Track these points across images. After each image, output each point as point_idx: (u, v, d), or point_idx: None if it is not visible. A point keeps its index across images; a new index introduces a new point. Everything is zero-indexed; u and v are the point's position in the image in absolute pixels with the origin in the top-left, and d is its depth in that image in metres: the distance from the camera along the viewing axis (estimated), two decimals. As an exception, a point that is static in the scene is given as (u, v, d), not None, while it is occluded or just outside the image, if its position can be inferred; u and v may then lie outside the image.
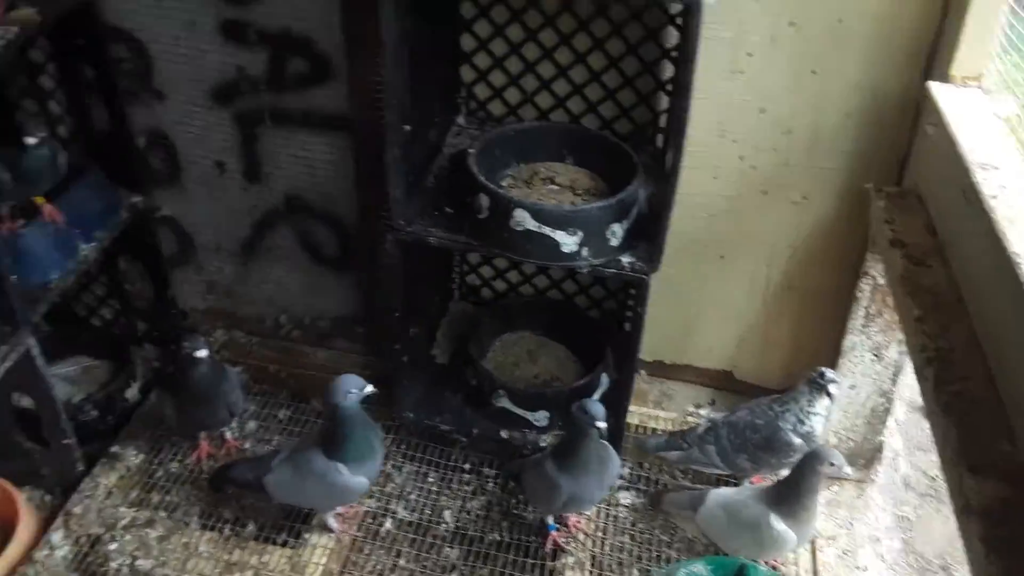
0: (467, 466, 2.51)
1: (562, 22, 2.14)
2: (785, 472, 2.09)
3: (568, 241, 1.99)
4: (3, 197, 2.14)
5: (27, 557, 2.23)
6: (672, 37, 2.10)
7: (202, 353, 2.23)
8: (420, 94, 2.03)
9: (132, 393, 2.69)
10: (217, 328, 2.87)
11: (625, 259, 2.04)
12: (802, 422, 2.13)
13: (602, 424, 1.98)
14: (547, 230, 1.98)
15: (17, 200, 2.20)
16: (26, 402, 2.38)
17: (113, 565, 2.22)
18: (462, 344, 2.63)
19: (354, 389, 2.03)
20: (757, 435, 2.17)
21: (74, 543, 2.28)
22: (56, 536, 2.29)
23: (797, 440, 2.13)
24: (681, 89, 1.72)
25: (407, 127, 2.00)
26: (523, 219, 1.97)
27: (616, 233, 2.02)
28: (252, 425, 2.61)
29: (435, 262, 2.52)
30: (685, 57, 1.69)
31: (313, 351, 2.83)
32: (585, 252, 2.01)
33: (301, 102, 2.39)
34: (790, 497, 1.99)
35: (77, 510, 2.35)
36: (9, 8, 2.03)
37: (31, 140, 2.11)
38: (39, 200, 2.25)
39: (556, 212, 1.98)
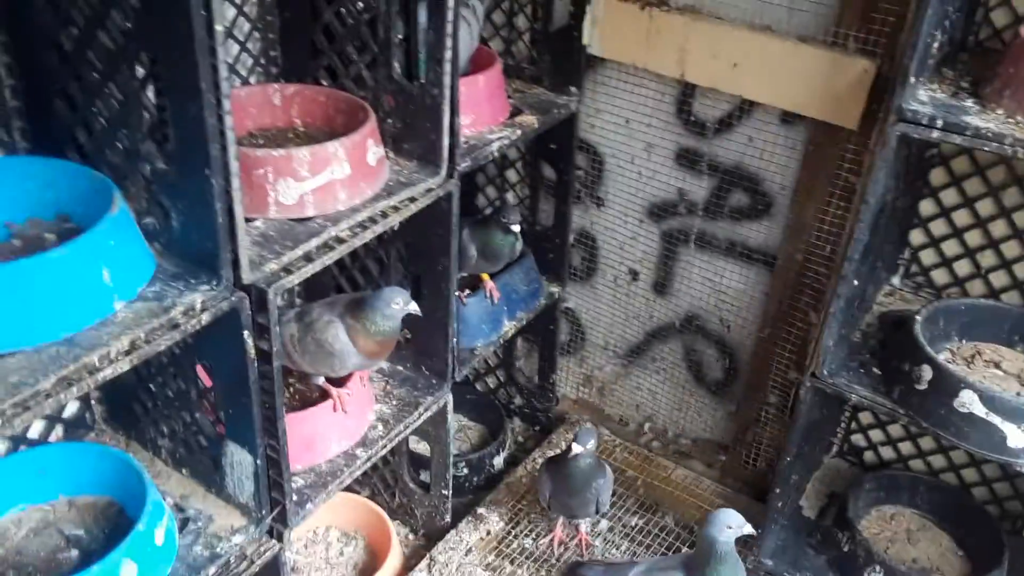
0: (816, 633, 2.37)
1: (1045, 206, 2.05)
2: None
3: (1018, 436, 1.84)
4: (467, 268, 2.41)
5: (392, 585, 2.45)
6: None
7: (591, 446, 2.34)
8: (870, 250, 2.02)
9: (498, 461, 2.89)
10: (585, 421, 3.01)
11: (1080, 471, 1.85)
12: None
13: (1015, 645, 1.78)
14: (995, 419, 1.84)
15: (475, 273, 2.48)
16: (415, 444, 2.65)
17: (462, 620, 2.38)
18: (831, 502, 2.52)
19: (733, 525, 2.02)
20: None
21: (433, 587, 2.47)
22: (420, 576, 2.50)
23: None
24: None
25: (856, 282, 1.99)
26: (970, 402, 1.86)
27: (1076, 441, 1.84)
28: (604, 525, 2.67)
29: (826, 414, 2.45)
30: None
31: (671, 466, 2.85)
32: (1035, 452, 1.85)
33: (730, 232, 2.49)
34: None
35: (441, 558, 2.54)
36: (515, 114, 2.35)
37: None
38: (484, 276, 2.52)
39: (1013, 403, 1.84)
